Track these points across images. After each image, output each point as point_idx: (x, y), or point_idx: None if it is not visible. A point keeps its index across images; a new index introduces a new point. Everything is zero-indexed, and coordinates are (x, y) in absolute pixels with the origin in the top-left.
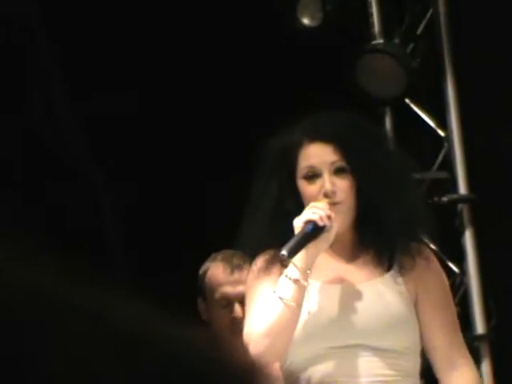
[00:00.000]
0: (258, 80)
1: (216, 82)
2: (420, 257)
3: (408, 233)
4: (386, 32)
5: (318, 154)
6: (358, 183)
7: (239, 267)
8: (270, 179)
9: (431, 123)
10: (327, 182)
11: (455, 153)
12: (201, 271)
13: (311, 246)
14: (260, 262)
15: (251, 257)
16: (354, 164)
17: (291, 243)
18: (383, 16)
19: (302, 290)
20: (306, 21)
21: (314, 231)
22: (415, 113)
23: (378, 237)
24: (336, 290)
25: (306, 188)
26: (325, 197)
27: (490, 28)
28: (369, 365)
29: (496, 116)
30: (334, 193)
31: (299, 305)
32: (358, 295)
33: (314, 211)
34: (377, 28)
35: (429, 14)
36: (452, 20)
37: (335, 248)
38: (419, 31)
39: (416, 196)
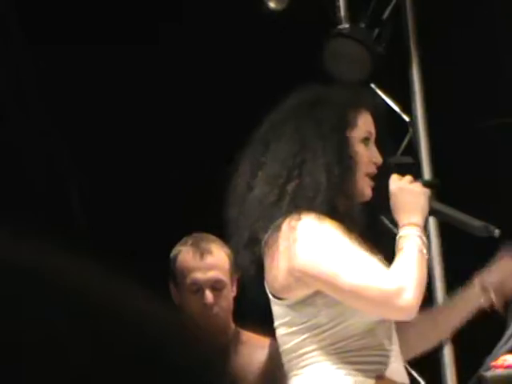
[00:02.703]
0: (225, 65)
1: (179, 68)
2: None
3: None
4: (352, 17)
5: (371, 123)
6: None
7: (209, 251)
8: (319, 133)
9: (396, 108)
10: (378, 153)
11: (419, 138)
12: (172, 255)
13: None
14: (329, 221)
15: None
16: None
17: (472, 218)
18: (349, 0)
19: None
20: (272, 4)
21: None
22: (380, 97)
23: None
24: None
25: (363, 151)
26: (374, 164)
27: (456, 14)
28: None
29: (460, 102)
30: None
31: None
32: None
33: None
34: (343, 12)
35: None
36: (418, 5)
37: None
38: (385, 16)
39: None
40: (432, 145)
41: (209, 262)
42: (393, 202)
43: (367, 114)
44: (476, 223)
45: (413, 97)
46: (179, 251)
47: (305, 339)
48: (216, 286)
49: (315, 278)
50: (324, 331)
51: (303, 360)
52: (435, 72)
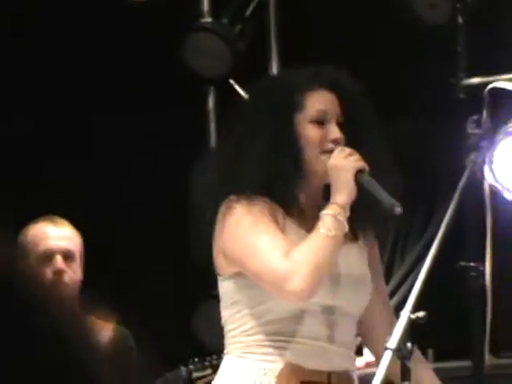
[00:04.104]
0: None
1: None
2: (373, 233)
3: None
4: (215, 11)
5: (330, 101)
6: (348, 142)
7: (62, 225)
8: (265, 117)
9: None
10: (337, 129)
11: None
12: (21, 233)
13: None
14: (248, 199)
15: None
16: (349, 124)
17: (385, 194)
18: None
19: (343, 231)
20: None
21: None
22: (239, 93)
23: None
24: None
25: (312, 131)
26: (334, 144)
27: (319, 13)
28: (341, 330)
29: None
30: (340, 142)
31: (340, 243)
32: (344, 256)
33: (357, 158)
34: (206, 6)
35: None
36: (281, 3)
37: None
38: (248, 13)
39: (394, 173)
40: None
41: (61, 233)
42: (329, 179)
43: (320, 93)
44: (385, 200)
45: None
46: (29, 228)
47: (230, 316)
48: (68, 255)
49: (232, 259)
50: (243, 310)
51: (228, 338)
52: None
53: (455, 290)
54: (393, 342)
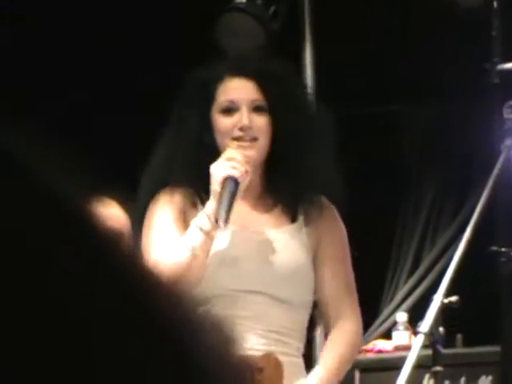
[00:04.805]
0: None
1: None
2: (324, 210)
3: (316, 184)
4: None
5: (238, 89)
6: (274, 126)
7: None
8: (189, 113)
9: None
10: (245, 116)
11: None
12: None
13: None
14: (176, 196)
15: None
16: (273, 105)
17: (223, 210)
18: None
19: (211, 241)
20: None
21: (236, 188)
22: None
23: (286, 184)
24: (244, 236)
25: (222, 121)
26: (240, 131)
27: None
28: (266, 313)
29: (351, 83)
30: (250, 128)
31: (207, 255)
32: (265, 243)
33: (234, 166)
34: None
35: None
36: None
37: (243, 192)
38: None
39: (329, 150)
40: None
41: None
42: None
43: (229, 82)
44: (219, 213)
45: (304, 76)
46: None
47: None
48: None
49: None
50: None
51: None
52: (328, 53)
53: (486, 275)
54: (425, 326)
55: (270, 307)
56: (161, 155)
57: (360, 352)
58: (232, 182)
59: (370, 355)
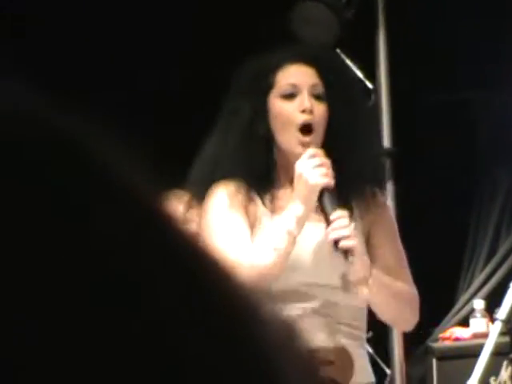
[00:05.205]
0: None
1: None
2: (375, 203)
3: (368, 178)
4: None
5: (300, 74)
6: (329, 117)
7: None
8: (241, 103)
9: (360, 74)
10: (307, 99)
11: (382, 106)
12: None
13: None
14: (231, 190)
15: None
16: (330, 94)
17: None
18: None
19: (295, 244)
20: None
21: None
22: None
23: (338, 177)
24: (307, 227)
25: (282, 106)
26: (303, 113)
27: None
28: (335, 305)
29: (424, 71)
30: (311, 112)
31: (288, 257)
32: (324, 233)
33: (326, 173)
34: None
35: None
36: None
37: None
38: None
39: (379, 145)
40: (394, 113)
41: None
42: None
43: (290, 67)
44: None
45: (377, 64)
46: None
47: None
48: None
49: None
50: None
51: None
52: (401, 41)
53: None
54: (502, 313)
55: (338, 299)
56: (212, 149)
57: (437, 340)
58: (326, 192)
59: (448, 343)
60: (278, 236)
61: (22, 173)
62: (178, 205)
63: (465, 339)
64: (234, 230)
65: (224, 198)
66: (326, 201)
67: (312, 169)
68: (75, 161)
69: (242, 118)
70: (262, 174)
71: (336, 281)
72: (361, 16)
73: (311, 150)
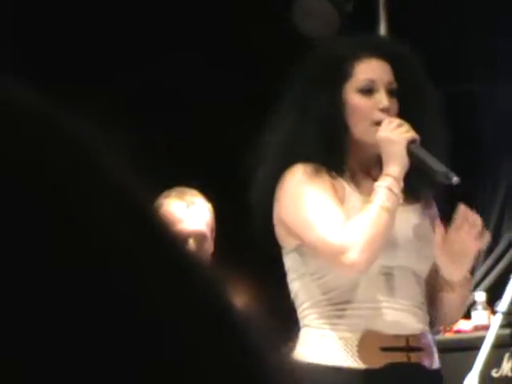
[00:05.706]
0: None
1: None
2: (433, 204)
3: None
4: None
5: (378, 69)
6: (400, 112)
7: (194, 203)
8: (317, 89)
9: None
10: (385, 98)
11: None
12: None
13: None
14: (308, 170)
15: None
16: (402, 91)
17: (438, 164)
18: None
19: (398, 201)
20: None
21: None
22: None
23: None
24: (401, 213)
25: (360, 101)
26: (382, 112)
27: None
28: (413, 289)
29: (426, 64)
30: (389, 110)
31: (393, 219)
32: (404, 218)
33: (407, 129)
34: None
35: None
36: None
37: (374, 173)
38: None
39: (445, 140)
40: None
41: (193, 214)
42: (380, 151)
43: (368, 61)
44: (440, 169)
45: None
46: (161, 204)
47: (299, 288)
48: (201, 237)
49: (293, 230)
50: (312, 281)
51: (300, 312)
52: (402, 33)
53: None
54: (503, 305)
55: (414, 283)
56: (284, 133)
57: (438, 332)
58: (417, 144)
59: (449, 335)
60: (381, 195)
61: (22, 172)
62: (177, 201)
63: (466, 331)
64: (328, 207)
65: (311, 175)
66: (420, 152)
67: (395, 129)
68: (75, 160)
69: (319, 105)
70: (339, 160)
71: (422, 267)
72: (361, 9)
73: (387, 119)
